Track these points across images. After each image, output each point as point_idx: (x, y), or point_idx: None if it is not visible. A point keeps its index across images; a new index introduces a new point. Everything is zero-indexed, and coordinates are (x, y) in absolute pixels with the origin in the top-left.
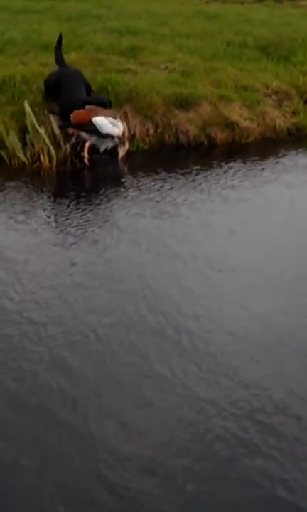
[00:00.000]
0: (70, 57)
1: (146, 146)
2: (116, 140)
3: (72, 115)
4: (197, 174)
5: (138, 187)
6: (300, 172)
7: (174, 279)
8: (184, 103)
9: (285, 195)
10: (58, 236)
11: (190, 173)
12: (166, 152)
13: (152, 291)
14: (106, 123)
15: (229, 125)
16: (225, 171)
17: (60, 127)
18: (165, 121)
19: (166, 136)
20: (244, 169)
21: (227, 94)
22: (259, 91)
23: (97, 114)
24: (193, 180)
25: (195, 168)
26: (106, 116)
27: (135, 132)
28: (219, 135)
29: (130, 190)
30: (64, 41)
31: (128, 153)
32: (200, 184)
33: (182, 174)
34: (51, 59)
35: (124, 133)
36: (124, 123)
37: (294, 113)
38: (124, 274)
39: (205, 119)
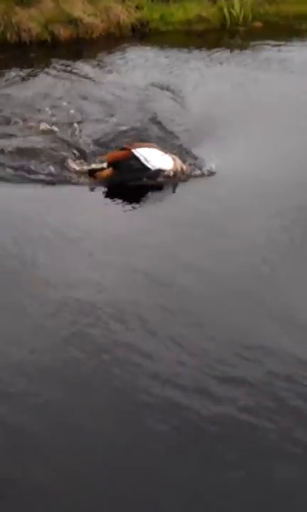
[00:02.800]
0: None
1: None
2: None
3: (107, 155)
4: (43, 73)
5: None
6: (141, 67)
7: None
8: (25, 0)
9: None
10: None
11: (33, 71)
12: (9, 51)
13: None
14: (154, 155)
15: (73, 22)
16: (68, 68)
17: (91, 172)
18: (7, 20)
19: (8, 35)
20: (88, 65)
21: None
22: None
23: (139, 147)
24: (38, 78)
25: (39, 66)
26: (150, 148)
27: None
28: (63, 32)
29: None
30: None
31: None
32: (45, 81)
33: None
34: None
35: (178, 169)
36: (177, 159)
37: (138, 8)
38: None
39: (47, 16)
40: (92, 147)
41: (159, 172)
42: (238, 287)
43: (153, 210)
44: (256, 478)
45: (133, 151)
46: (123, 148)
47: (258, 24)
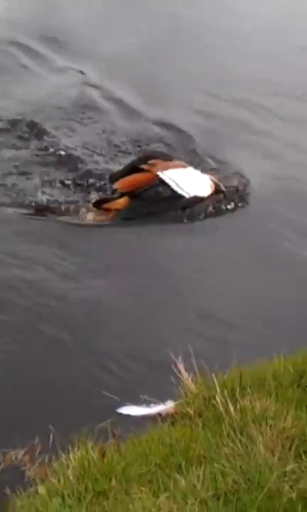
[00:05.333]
0: None
1: None
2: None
3: (119, 182)
4: None
5: None
6: None
7: None
8: None
9: None
10: None
11: None
12: None
13: None
14: (187, 177)
15: None
16: None
17: (96, 203)
18: None
19: None
20: None
21: None
22: None
23: (165, 168)
24: None
25: None
26: (181, 168)
27: None
28: None
29: None
30: None
31: None
32: None
33: None
34: None
35: (217, 189)
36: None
37: None
38: None
39: None
40: None
41: (197, 200)
42: None
43: None
44: None
45: (160, 174)
46: (140, 169)
47: None
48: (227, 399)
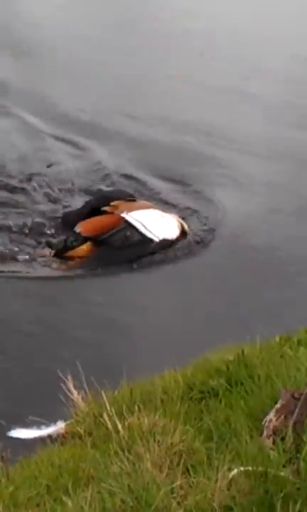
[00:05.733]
0: None
1: None
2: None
3: (80, 225)
4: None
5: None
6: None
7: None
8: None
9: None
10: None
11: None
12: None
13: None
14: (154, 219)
15: None
16: None
17: (57, 252)
18: None
19: None
20: None
21: None
22: None
23: (130, 209)
24: None
25: None
26: (147, 209)
27: None
28: None
29: None
30: None
31: None
32: None
33: None
34: None
35: (183, 231)
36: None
37: None
38: None
39: None
40: None
41: (167, 243)
42: None
43: None
44: None
45: (125, 216)
46: (100, 211)
47: None
48: (115, 416)
